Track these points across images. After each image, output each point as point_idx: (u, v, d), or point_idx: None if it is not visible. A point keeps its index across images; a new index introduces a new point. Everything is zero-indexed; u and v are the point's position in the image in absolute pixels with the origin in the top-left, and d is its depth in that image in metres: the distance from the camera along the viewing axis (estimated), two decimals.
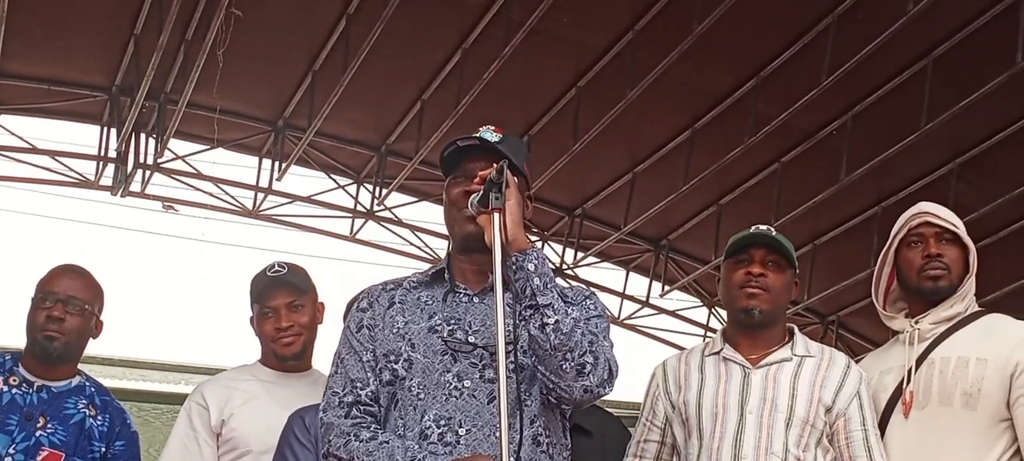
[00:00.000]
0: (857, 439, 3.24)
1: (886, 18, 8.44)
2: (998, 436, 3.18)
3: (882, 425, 3.28)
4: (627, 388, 3.73)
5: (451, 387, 2.67)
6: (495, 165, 2.66)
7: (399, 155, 11.62)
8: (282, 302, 3.74)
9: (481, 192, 2.67)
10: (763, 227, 3.38)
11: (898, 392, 3.28)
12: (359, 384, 2.74)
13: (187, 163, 11.87)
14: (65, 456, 3.49)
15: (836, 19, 8.79)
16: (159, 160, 11.46)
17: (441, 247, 12.88)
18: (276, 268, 3.79)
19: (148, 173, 11.57)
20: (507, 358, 2.54)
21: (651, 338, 13.39)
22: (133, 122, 10.84)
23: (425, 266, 2.99)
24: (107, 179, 11.69)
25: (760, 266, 3.32)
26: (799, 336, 3.39)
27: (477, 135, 2.79)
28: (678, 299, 13.58)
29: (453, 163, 2.81)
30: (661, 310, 13.48)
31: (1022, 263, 10.66)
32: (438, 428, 2.64)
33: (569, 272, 12.77)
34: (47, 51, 10.23)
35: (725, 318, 3.53)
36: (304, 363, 3.82)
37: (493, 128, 2.81)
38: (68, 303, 3.54)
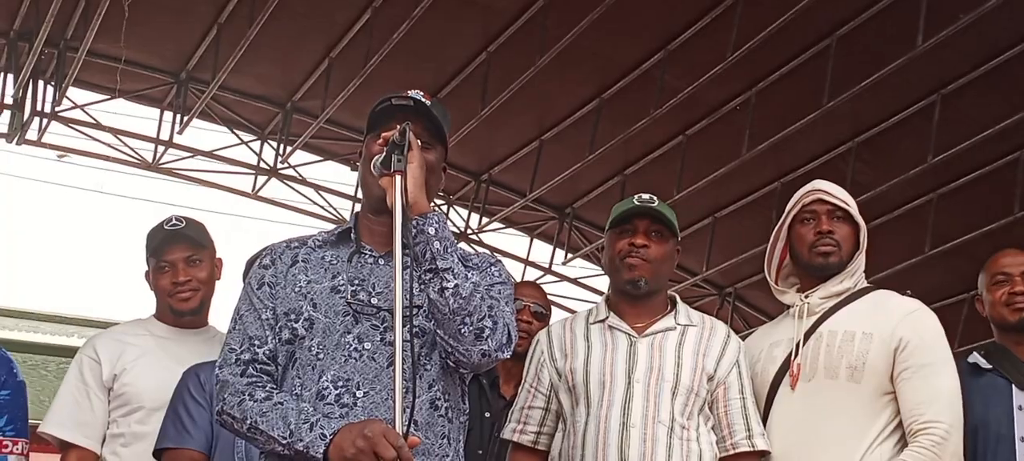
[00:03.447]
0: (735, 407, 3.31)
1: None
2: (881, 409, 3.26)
3: (770, 397, 3.36)
4: None
5: (351, 348, 2.65)
6: (398, 127, 2.64)
7: (305, 113, 11.50)
8: (180, 256, 3.69)
9: (384, 153, 2.65)
10: (646, 197, 3.40)
11: (786, 364, 3.35)
12: (257, 342, 2.70)
13: (86, 112, 11.61)
14: None
15: None
16: (57, 108, 11.20)
17: (344, 207, 12.80)
18: (174, 222, 3.74)
19: (45, 121, 11.31)
20: (408, 322, 2.54)
21: (554, 306, 13.46)
22: (31, 68, 10.57)
23: (327, 226, 2.95)
24: (2, 126, 11.40)
25: (643, 237, 3.35)
26: (681, 305, 3.44)
27: (411, 94, 2.76)
28: (581, 267, 13.70)
29: (379, 121, 2.76)
30: (564, 278, 13.59)
31: (915, 242, 10.93)
32: (335, 389, 2.62)
33: (473, 237, 12.79)
34: None
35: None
36: (200, 319, 3.78)
37: (422, 94, 2.78)
38: None
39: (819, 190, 3.48)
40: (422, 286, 2.61)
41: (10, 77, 10.99)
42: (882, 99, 9.62)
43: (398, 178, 2.60)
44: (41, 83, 11.02)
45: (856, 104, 9.49)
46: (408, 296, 2.56)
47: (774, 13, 8.72)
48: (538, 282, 11.40)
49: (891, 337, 3.28)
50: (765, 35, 8.87)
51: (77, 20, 9.93)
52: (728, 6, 9.04)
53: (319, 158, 12.49)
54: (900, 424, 3.25)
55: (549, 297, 4.50)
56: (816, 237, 3.41)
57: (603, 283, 13.61)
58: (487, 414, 4.09)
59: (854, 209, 3.47)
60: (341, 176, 12.80)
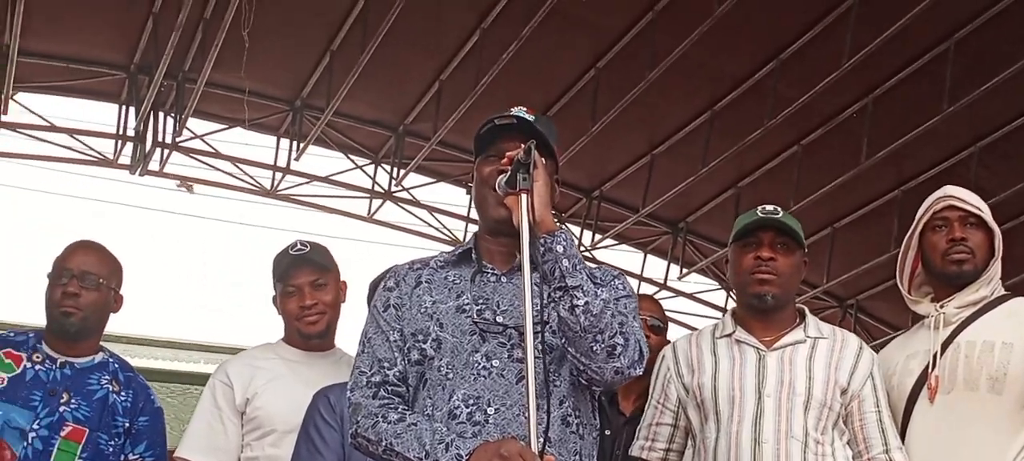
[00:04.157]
0: (871, 420, 3.24)
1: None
2: None
3: (907, 410, 3.27)
4: None
5: (480, 367, 2.66)
6: (523, 146, 2.64)
7: (417, 136, 11.62)
8: (306, 280, 3.74)
9: (509, 173, 2.65)
10: (770, 208, 3.34)
11: (923, 377, 3.27)
12: (387, 364, 2.72)
13: (206, 142, 11.88)
14: (89, 431, 3.50)
15: (857, 1, 8.74)
16: (177, 139, 11.48)
17: (458, 228, 12.89)
18: (299, 247, 3.80)
19: (166, 152, 11.60)
20: (535, 339, 2.54)
21: (670, 321, 13.35)
22: (152, 101, 10.86)
23: (442, 247, 2.97)
24: (125, 158, 11.71)
25: (769, 250, 3.29)
26: (810, 317, 3.37)
27: (514, 112, 2.77)
28: (696, 282, 13.57)
29: (486, 142, 2.79)
30: (679, 293, 13.47)
31: None
32: (467, 407, 2.64)
33: (587, 254, 12.77)
34: (67, 29, 10.24)
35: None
36: (328, 342, 3.82)
37: (526, 110, 2.79)
38: (83, 278, 3.54)
39: (951, 196, 3.39)
40: (551, 303, 2.61)
41: (132, 110, 11.31)
42: (1004, 102, 9.35)
43: (524, 197, 2.60)
44: (161, 114, 11.31)
45: (976, 108, 9.25)
46: (536, 313, 2.56)
47: (890, 18, 8.55)
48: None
49: None
50: (881, 41, 8.69)
51: (194, 52, 10.18)
52: (842, 12, 8.89)
53: (432, 180, 12.60)
54: None
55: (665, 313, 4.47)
56: (949, 245, 3.33)
57: (719, 297, 13.48)
58: (607, 431, 4.06)
59: (987, 215, 3.38)
60: (454, 197, 12.91)
